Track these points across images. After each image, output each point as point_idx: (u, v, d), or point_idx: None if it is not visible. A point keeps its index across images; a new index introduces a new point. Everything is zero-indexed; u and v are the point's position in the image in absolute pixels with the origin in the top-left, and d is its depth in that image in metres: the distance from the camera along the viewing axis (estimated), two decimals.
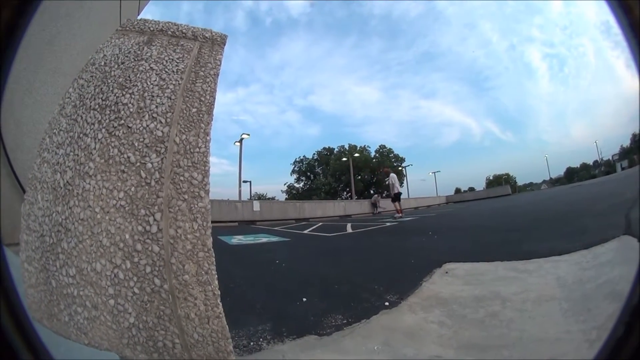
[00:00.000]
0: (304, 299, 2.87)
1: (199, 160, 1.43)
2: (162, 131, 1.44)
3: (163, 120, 1.47)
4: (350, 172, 39.27)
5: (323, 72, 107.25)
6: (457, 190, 71.56)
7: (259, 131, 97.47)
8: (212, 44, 1.91)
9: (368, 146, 56.55)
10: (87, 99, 1.61)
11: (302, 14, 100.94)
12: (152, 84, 1.61)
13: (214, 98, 1.67)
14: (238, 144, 27.18)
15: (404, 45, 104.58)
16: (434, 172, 57.28)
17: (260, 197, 53.53)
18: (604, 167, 61.13)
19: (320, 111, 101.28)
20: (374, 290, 2.91)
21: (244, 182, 27.76)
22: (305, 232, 10.59)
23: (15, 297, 1.04)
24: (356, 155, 42.77)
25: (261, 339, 2.01)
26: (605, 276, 2.50)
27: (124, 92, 1.58)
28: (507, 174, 71.71)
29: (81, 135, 1.49)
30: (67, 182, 1.42)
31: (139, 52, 1.75)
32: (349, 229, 10.16)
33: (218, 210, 17.39)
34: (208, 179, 1.42)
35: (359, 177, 49.44)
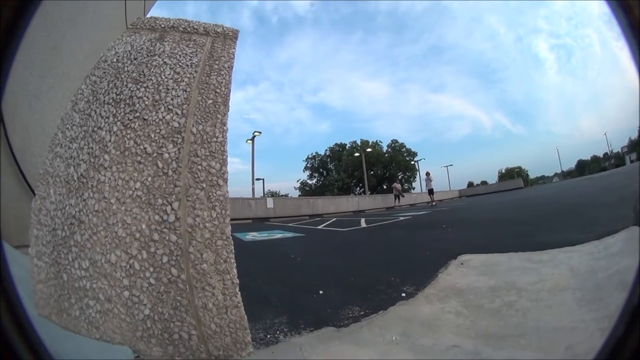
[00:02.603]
0: (321, 292, 2.90)
1: (217, 149, 1.43)
2: (178, 122, 1.44)
3: (179, 112, 1.48)
4: (363, 168, 38.98)
5: (331, 69, 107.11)
6: (470, 184, 71.00)
7: (270, 129, 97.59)
8: (224, 38, 1.92)
9: (380, 141, 56.11)
10: (100, 94, 1.62)
11: (308, 12, 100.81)
12: (166, 77, 1.62)
13: (229, 90, 1.66)
14: (250, 142, 26.71)
15: (411, 40, 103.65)
16: (447, 166, 56.17)
17: (274, 194, 53.66)
18: (614, 160, 60.82)
19: (330, 107, 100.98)
20: (390, 282, 2.92)
21: (257, 179, 27.54)
22: (319, 227, 10.62)
23: (15, 297, 1.06)
24: (368, 150, 42.34)
25: (278, 332, 2.00)
26: (616, 266, 2.56)
27: (139, 86, 1.59)
28: (519, 167, 71.05)
29: (95, 128, 1.50)
30: (82, 174, 1.42)
31: (151, 48, 1.77)
32: (363, 224, 10.15)
33: (232, 208, 17.28)
34: (226, 167, 1.42)
35: (372, 172, 49.22)
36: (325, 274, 3.58)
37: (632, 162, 52.00)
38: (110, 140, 1.42)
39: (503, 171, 74.73)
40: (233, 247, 1.33)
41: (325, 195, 36.16)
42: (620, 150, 65.31)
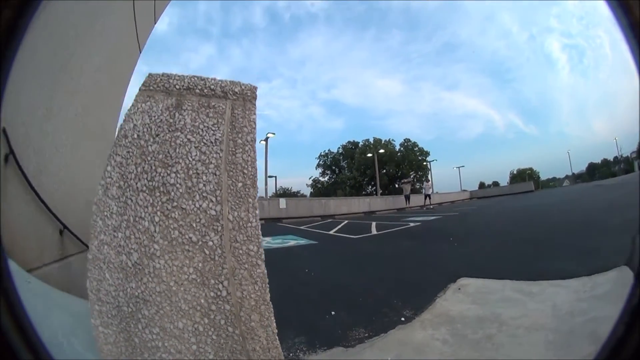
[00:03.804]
0: (332, 312, 3.23)
1: (252, 233, 1.67)
2: (215, 210, 1.65)
3: (213, 199, 1.67)
4: (375, 169, 39.41)
5: (344, 66, 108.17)
6: (481, 185, 72.65)
7: (283, 125, 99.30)
8: (243, 101, 1.95)
9: (393, 140, 59.34)
10: (130, 179, 1.73)
11: (321, 9, 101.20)
12: (193, 159, 1.75)
13: (256, 169, 1.83)
14: (264, 142, 28.76)
15: (424, 37, 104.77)
16: (458, 167, 59.21)
17: (286, 191, 54.73)
18: (623, 165, 61.10)
19: (344, 104, 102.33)
20: (393, 305, 3.27)
21: (269, 177, 28.42)
22: (331, 232, 11.16)
23: (15, 297, 1.07)
24: (381, 151, 42.79)
25: (298, 350, 2.46)
26: (594, 312, 2.72)
27: (168, 171, 1.72)
28: (531, 169, 72.88)
29: (137, 218, 1.66)
30: (135, 262, 1.63)
31: (171, 120, 1.83)
32: (374, 230, 10.68)
33: None
34: (262, 248, 1.68)
35: (384, 170, 50.12)
36: (337, 292, 3.97)
37: None
38: (155, 231, 1.62)
39: (515, 172, 75.76)
40: (272, 307, 1.70)
41: (337, 196, 36.69)
42: (629, 155, 64.87)
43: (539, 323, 2.70)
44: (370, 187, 51.97)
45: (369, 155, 46.85)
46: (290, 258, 6.55)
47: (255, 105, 1.99)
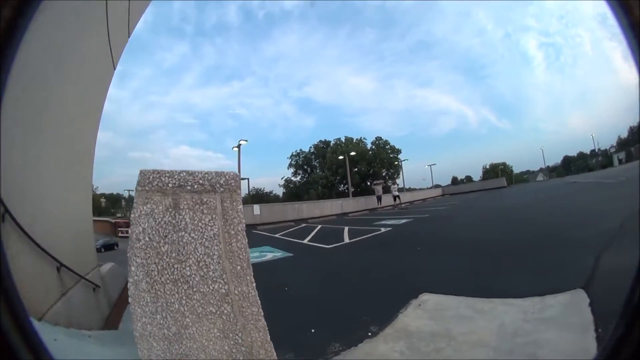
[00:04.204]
0: (313, 330, 3.82)
1: (253, 301, 2.37)
2: (224, 289, 2.31)
3: (222, 282, 2.31)
4: (347, 170, 40.57)
5: (317, 64, 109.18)
6: (454, 180, 75.45)
7: (255, 124, 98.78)
8: (229, 192, 2.48)
9: (364, 138, 61.93)
10: (155, 275, 2.27)
11: (295, 7, 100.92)
12: (200, 254, 2.32)
13: (248, 252, 2.45)
14: (236, 149, 30.12)
15: (398, 35, 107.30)
16: (430, 165, 63.35)
17: (258, 192, 54.93)
18: (602, 158, 62.34)
19: (316, 102, 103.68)
20: (362, 322, 3.86)
21: (242, 179, 28.81)
22: (305, 241, 11.99)
23: (15, 297, 1.08)
24: (352, 153, 43.92)
25: None
26: (536, 335, 3.00)
27: (183, 265, 2.29)
28: (504, 164, 76.65)
29: (168, 303, 2.25)
30: (175, 332, 2.25)
31: (173, 221, 2.33)
32: (346, 238, 11.55)
33: None
34: (261, 309, 2.38)
35: (356, 169, 51.08)
36: (316, 308, 4.63)
37: (620, 161, 54.98)
38: (185, 310, 2.24)
39: (487, 167, 78.33)
40: (272, 345, 2.39)
41: (310, 195, 37.40)
42: (608, 149, 66.97)
43: (484, 340, 3.07)
44: (342, 186, 53.12)
45: (341, 157, 48.12)
46: (271, 275, 7.30)
47: (239, 194, 2.55)
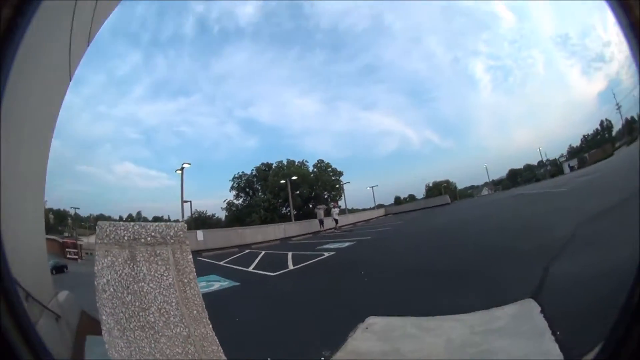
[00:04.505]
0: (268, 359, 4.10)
1: (212, 341, 2.74)
2: (186, 332, 2.72)
3: (182, 326, 2.74)
4: (289, 196, 41.21)
5: (264, 83, 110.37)
6: (397, 199, 79.76)
7: (198, 143, 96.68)
8: (179, 243, 2.81)
9: (306, 160, 65.95)
10: (124, 323, 2.54)
11: (249, 24, 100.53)
12: (161, 301, 2.65)
13: (202, 300, 2.86)
14: (179, 171, 30.69)
15: (346, 57, 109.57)
16: (372, 187, 65.77)
17: (201, 215, 54.33)
18: (550, 167, 65.93)
19: (260, 123, 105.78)
20: (315, 347, 4.14)
21: (185, 202, 28.87)
22: (250, 269, 12.26)
23: (15, 297, 1.09)
24: (294, 178, 45.25)
25: None
26: (487, 345, 3.21)
27: (147, 313, 2.60)
28: (447, 181, 78.72)
29: (140, 347, 2.51)
30: None
31: (133, 273, 2.63)
32: (290, 265, 12.03)
33: None
34: (221, 349, 2.75)
35: (298, 192, 51.80)
36: (268, 340, 4.86)
37: (572, 168, 56.21)
38: (155, 353, 2.52)
39: (430, 185, 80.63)
40: None
41: (253, 223, 37.49)
42: (557, 158, 69.98)
43: (433, 354, 3.31)
44: (285, 209, 53.55)
45: (282, 182, 50.75)
46: (220, 305, 7.59)
47: (188, 244, 2.90)
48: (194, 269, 2.84)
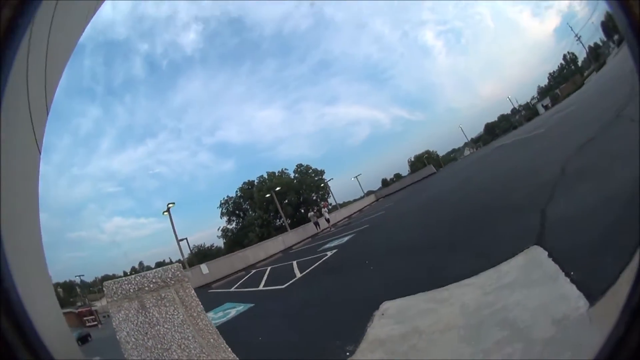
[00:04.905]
0: None
1: None
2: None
3: (204, 355, 2.84)
4: (276, 205, 40.95)
5: (225, 105, 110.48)
6: (384, 181, 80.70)
7: (177, 180, 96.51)
8: (179, 282, 3.01)
9: (286, 168, 68.94)
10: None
11: (195, 50, 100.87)
12: (180, 338, 2.79)
13: (215, 328, 3.06)
14: (167, 213, 31.04)
15: (298, 59, 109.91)
16: (356, 177, 66.56)
17: (200, 249, 54.41)
18: (525, 112, 66.59)
19: (231, 144, 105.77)
20: (337, 346, 4.21)
21: (180, 240, 28.95)
22: (260, 287, 12.41)
23: (15, 297, 1.10)
24: (277, 189, 44.45)
25: None
26: (502, 302, 3.19)
27: (170, 352, 2.72)
28: (427, 152, 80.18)
29: None
30: None
31: (147, 319, 2.79)
32: (297, 272, 12.13)
33: None
34: None
35: (286, 201, 51.59)
36: (292, 348, 4.99)
37: (545, 107, 58.03)
38: None
39: (412, 159, 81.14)
40: None
41: (251, 243, 37.63)
42: (529, 102, 74.10)
43: (451, 324, 3.32)
44: (278, 220, 53.37)
45: (267, 196, 51.13)
46: (241, 329, 7.79)
47: (188, 281, 3.10)
48: (199, 302, 3.04)
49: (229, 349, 2.88)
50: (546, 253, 3.66)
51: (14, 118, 4.55)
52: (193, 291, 3.05)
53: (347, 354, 3.89)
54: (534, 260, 3.65)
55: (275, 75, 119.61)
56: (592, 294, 2.56)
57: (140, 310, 2.77)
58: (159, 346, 2.70)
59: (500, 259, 4.09)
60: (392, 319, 4.23)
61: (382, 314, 4.51)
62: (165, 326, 2.76)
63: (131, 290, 2.81)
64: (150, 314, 2.77)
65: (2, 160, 3.27)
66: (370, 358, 3.57)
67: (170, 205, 31.50)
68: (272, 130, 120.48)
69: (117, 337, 2.74)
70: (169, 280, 2.94)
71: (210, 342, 2.88)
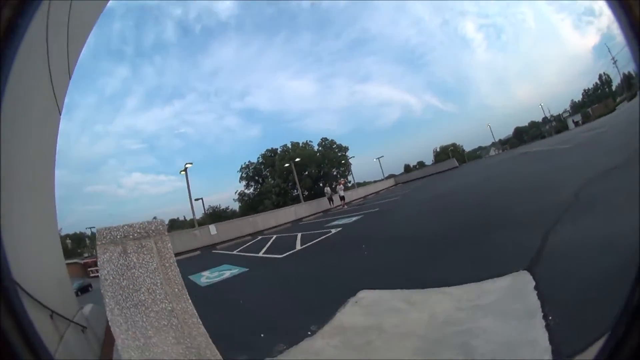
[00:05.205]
0: (262, 335, 4.51)
1: (192, 314, 3.31)
2: (170, 307, 3.30)
3: (167, 302, 3.29)
4: (294, 176, 41.54)
5: (257, 72, 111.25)
6: (407, 167, 79.84)
7: (202, 141, 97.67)
8: (160, 235, 3.38)
9: (310, 141, 68.88)
10: (122, 301, 3.07)
11: (231, 17, 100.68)
12: (149, 283, 3.18)
13: (181, 279, 3.43)
14: (184, 172, 31.65)
15: (334, 34, 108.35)
16: (378, 158, 66.02)
17: (215, 210, 55.12)
18: (555, 123, 64.76)
19: (259, 111, 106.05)
20: (306, 322, 4.49)
21: (196, 200, 29.61)
22: (260, 254, 12.97)
23: (15, 297, 1.08)
24: (297, 160, 45.85)
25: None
26: (471, 324, 3.03)
27: (138, 292, 3.14)
28: (454, 144, 77.68)
29: (135, 321, 3.04)
30: (144, 343, 3.04)
31: (126, 262, 3.17)
32: (298, 245, 12.62)
33: (179, 241, 19.67)
34: (200, 322, 3.28)
35: (306, 172, 52.33)
36: (264, 316, 5.35)
37: (576, 124, 56.96)
38: (147, 325, 3.06)
39: (438, 149, 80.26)
40: (216, 348, 3.30)
41: (265, 206, 38.13)
42: (561, 114, 68.58)
43: (413, 331, 3.26)
44: (295, 191, 54.20)
45: (287, 165, 52.75)
46: (228, 292, 8.43)
47: (167, 235, 3.43)
48: (174, 255, 3.36)
49: (189, 301, 3.21)
50: (533, 283, 3.41)
51: (34, 80, 4.70)
52: (170, 244, 3.38)
53: (309, 333, 4.07)
54: (519, 288, 3.41)
55: (310, 48, 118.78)
56: (562, 352, 2.31)
57: (122, 254, 3.14)
58: (130, 287, 3.05)
59: (488, 274, 3.93)
60: (362, 309, 4.33)
61: (356, 302, 4.63)
62: (140, 270, 3.11)
63: (118, 236, 3.19)
64: (130, 259, 3.14)
65: (19, 120, 3.63)
66: (327, 342, 3.68)
67: (188, 164, 32.06)
68: (302, 101, 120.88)
69: (99, 274, 3.11)
70: (151, 232, 3.30)
71: (175, 291, 3.23)
